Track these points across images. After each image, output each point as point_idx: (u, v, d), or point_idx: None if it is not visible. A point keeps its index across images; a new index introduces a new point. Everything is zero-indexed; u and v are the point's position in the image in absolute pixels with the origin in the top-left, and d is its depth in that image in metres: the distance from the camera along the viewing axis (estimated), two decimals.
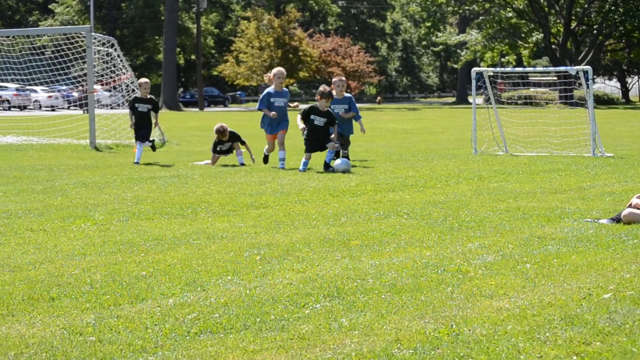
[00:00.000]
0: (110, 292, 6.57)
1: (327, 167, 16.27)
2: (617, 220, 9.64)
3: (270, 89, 17.72)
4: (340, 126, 17.27)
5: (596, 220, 9.74)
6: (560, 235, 8.81)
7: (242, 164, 17.87)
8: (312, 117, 16.71)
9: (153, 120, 19.97)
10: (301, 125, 16.88)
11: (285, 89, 17.95)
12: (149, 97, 19.64)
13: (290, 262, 7.62)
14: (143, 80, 20.01)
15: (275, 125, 17.44)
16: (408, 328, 5.57)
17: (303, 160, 16.55)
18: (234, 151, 18.63)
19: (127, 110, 20.42)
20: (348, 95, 18.04)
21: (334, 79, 18.71)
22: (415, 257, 7.74)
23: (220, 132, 18.53)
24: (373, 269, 7.29)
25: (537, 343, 5.24)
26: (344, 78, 18.77)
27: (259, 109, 17.70)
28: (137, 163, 18.33)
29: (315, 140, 16.62)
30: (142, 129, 19.23)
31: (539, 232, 9.09)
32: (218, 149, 18.71)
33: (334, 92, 18.02)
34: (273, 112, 17.28)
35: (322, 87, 17.00)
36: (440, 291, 6.50)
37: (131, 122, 19.56)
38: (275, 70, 18.04)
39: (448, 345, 5.22)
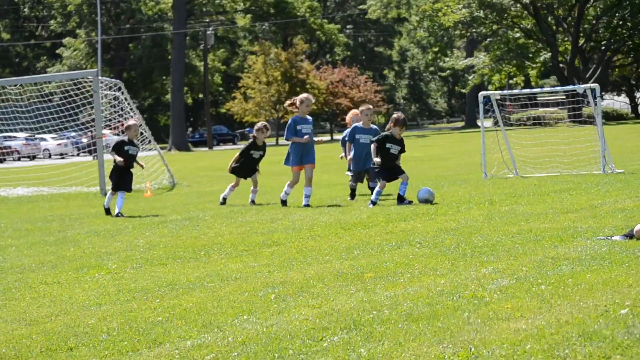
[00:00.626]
0: (128, 339, 6.58)
1: (402, 200, 15.82)
2: (630, 236, 9.61)
3: (296, 116, 16.97)
4: (368, 159, 17.07)
5: (609, 238, 9.72)
6: (573, 255, 8.79)
7: (253, 202, 17.80)
8: (387, 145, 16.13)
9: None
10: (377, 159, 16.03)
11: (309, 117, 17.19)
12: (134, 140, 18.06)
13: (305, 299, 7.61)
14: (132, 122, 18.29)
15: (303, 155, 16.72)
16: (427, 354, 5.56)
17: (377, 189, 15.95)
18: (250, 179, 18.06)
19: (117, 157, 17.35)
20: (375, 127, 17.65)
21: (361, 108, 18.01)
22: (430, 286, 7.73)
23: (262, 129, 17.94)
24: (388, 299, 7.28)
25: None
26: (371, 107, 18.36)
27: (287, 139, 16.93)
28: (120, 214, 16.67)
29: (390, 169, 16.13)
30: (127, 175, 17.44)
31: (552, 253, 9.07)
32: (251, 152, 18.06)
33: (360, 123, 17.73)
34: (306, 136, 16.68)
35: (397, 115, 16.43)
36: (456, 317, 6.48)
37: (119, 159, 17.21)
38: (302, 95, 17.19)
39: None
